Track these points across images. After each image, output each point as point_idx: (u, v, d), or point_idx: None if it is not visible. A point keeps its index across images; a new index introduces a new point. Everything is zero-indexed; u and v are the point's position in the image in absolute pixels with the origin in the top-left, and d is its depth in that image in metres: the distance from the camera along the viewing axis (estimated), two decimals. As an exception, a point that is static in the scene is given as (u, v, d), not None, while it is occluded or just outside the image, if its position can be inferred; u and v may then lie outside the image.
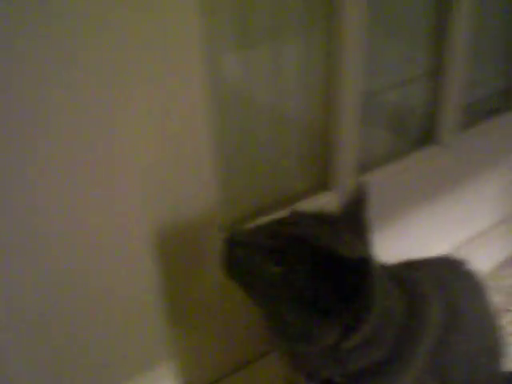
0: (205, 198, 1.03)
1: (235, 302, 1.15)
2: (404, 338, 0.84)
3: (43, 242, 0.75)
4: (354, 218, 0.85)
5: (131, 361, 0.91)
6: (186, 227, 1.02)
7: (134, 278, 0.87)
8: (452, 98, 1.45)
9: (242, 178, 1.19)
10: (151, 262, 0.88)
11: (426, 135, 1.51)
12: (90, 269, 0.80)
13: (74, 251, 0.78)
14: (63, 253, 0.77)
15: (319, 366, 0.84)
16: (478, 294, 1.07)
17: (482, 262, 1.67)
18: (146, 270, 0.88)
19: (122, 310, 0.86)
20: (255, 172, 1.21)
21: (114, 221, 0.81)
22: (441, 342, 0.91)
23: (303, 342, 0.77)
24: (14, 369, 0.77)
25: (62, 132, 0.72)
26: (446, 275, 1.03)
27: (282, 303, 0.76)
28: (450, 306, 0.94)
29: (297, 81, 1.19)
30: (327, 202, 1.26)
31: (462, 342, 0.96)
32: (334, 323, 0.74)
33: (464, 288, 1.03)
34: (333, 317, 0.73)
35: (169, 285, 1.01)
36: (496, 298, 1.57)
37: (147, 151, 0.88)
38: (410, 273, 0.97)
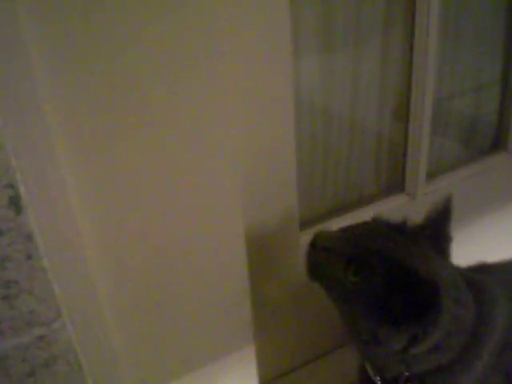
0: (286, 200, 1.09)
1: (314, 297, 1.20)
2: (470, 343, 0.86)
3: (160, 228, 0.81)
4: (436, 231, 0.87)
5: (216, 343, 0.95)
6: (270, 226, 1.08)
7: (225, 270, 0.91)
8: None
9: (320, 179, 1.24)
10: (241, 257, 0.93)
11: (494, 142, 1.53)
12: (188, 257, 0.86)
13: (179, 241, 0.83)
14: (170, 240, 0.83)
15: (387, 366, 0.88)
16: None
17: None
18: (236, 265, 0.93)
19: (213, 296, 0.91)
20: (332, 173, 1.26)
21: (213, 219, 0.87)
22: (507, 343, 0.91)
23: (371, 344, 0.82)
24: (114, 341, 0.82)
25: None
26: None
27: (356, 308, 0.80)
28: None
29: (373, 87, 1.24)
30: (400, 204, 1.30)
31: None
32: (402, 333, 0.77)
33: None
34: (401, 327, 0.77)
35: (254, 278, 1.05)
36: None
37: (243, 156, 0.95)
38: (482, 276, 0.99)
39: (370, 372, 0.93)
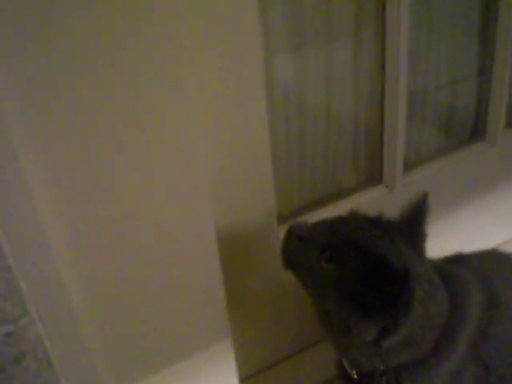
0: (263, 194, 1.10)
1: (293, 291, 1.21)
2: (444, 337, 0.87)
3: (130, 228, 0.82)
4: (411, 228, 0.88)
5: (192, 337, 0.96)
6: (247, 221, 1.10)
7: (198, 264, 0.92)
8: (500, 95, 1.47)
9: (297, 173, 1.26)
10: (214, 252, 0.93)
11: (473, 132, 1.54)
12: (159, 252, 0.87)
13: (152, 238, 0.84)
14: (142, 237, 0.84)
15: (361, 360, 0.89)
16: None
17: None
18: (210, 260, 0.94)
19: (187, 293, 0.92)
20: (309, 167, 1.28)
21: (185, 215, 0.88)
22: (483, 333, 0.93)
23: (343, 335, 0.83)
24: (86, 337, 0.83)
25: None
26: (492, 269, 1.04)
27: (328, 296, 0.82)
28: (493, 298, 0.95)
29: (348, 80, 1.25)
30: (378, 196, 1.32)
31: (505, 332, 0.96)
32: (372, 323, 0.78)
33: (509, 281, 1.03)
34: (372, 317, 0.78)
35: (233, 273, 1.07)
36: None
37: (218, 151, 0.97)
38: (456, 268, 1.00)
39: (347, 366, 0.94)
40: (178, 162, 0.84)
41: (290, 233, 0.85)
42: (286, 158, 1.23)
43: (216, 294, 0.95)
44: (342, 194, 1.32)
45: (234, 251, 1.10)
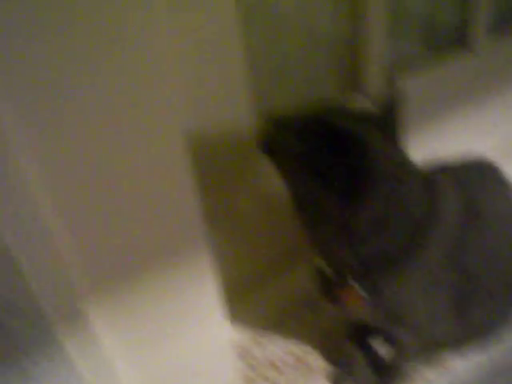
0: (237, 103, 1.08)
1: (276, 212, 1.22)
2: (418, 234, 0.88)
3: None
4: (386, 122, 0.88)
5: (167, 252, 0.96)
6: (221, 135, 1.08)
7: (171, 183, 0.91)
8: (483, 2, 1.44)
9: (273, 83, 1.23)
10: (186, 168, 0.92)
11: (456, 41, 1.51)
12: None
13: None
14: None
15: (333, 249, 0.90)
16: (506, 197, 1.08)
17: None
18: (182, 177, 0.93)
19: (159, 204, 0.91)
20: (285, 76, 1.25)
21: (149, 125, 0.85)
22: (462, 242, 0.95)
23: (314, 217, 0.86)
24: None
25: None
26: (475, 179, 1.05)
27: (300, 176, 0.84)
28: (473, 208, 0.97)
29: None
30: (357, 102, 1.30)
31: (486, 242, 0.99)
32: (343, 197, 0.80)
33: (490, 190, 1.05)
34: (342, 191, 0.79)
35: (209, 194, 1.07)
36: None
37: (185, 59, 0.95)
38: (437, 174, 1.00)
39: (323, 265, 0.96)
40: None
41: (267, 119, 0.90)
42: (264, 72, 1.22)
43: (189, 203, 0.94)
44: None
45: (212, 167, 1.11)
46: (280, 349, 1.27)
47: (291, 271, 1.34)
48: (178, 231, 0.94)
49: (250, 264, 1.31)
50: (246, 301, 1.31)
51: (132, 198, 0.86)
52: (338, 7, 1.25)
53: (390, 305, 0.93)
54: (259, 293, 1.32)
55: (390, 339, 1.12)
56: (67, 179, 0.78)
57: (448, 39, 1.51)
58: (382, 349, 1.19)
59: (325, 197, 0.81)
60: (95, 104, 0.75)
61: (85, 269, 0.85)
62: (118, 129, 0.79)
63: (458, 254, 0.94)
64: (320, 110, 0.88)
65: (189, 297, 1.02)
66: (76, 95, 0.72)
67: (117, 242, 0.88)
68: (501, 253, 1.01)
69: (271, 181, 1.02)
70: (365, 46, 1.28)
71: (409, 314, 0.95)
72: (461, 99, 1.51)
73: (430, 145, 1.44)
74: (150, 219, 0.89)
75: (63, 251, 0.80)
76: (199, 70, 1.00)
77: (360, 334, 1.21)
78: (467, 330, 1.10)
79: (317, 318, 1.32)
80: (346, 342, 1.21)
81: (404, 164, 0.87)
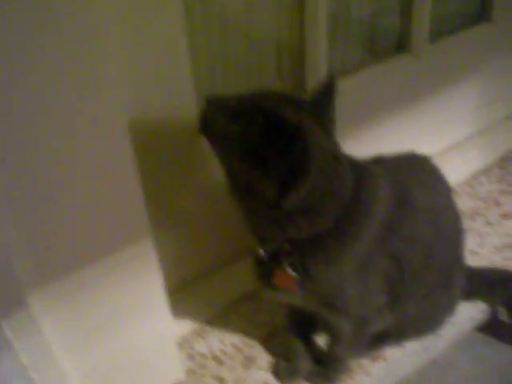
0: (185, 112, 1.11)
1: (217, 206, 1.24)
2: (349, 216, 0.91)
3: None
4: (320, 109, 0.90)
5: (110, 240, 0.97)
6: (164, 128, 1.10)
7: (115, 179, 0.92)
8: (423, 6, 1.49)
9: (219, 80, 1.26)
10: (130, 163, 0.93)
11: (397, 45, 1.56)
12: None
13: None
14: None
15: (265, 229, 0.92)
16: (437, 187, 1.11)
17: (459, 170, 1.75)
18: (126, 172, 0.94)
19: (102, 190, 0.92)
20: (231, 76, 1.28)
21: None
22: (393, 229, 0.97)
23: (248, 196, 0.88)
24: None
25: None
26: (407, 170, 1.08)
27: (234, 156, 0.86)
28: (405, 197, 1.00)
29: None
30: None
31: (417, 231, 1.01)
32: (272, 178, 0.83)
33: (423, 182, 1.07)
34: (271, 172, 0.82)
35: (152, 188, 1.08)
36: (472, 203, 1.65)
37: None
38: (370, 164, 1.03)
39: (258, 249, 0.98)
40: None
41: (207, 100, 0.91)
42: (209, 74, 1.24)
43: (133, 193, 0.95)
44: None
45: (156, 160, 1.12)
46: (222, 341, 1.29)
47: (235, 264, 1.37)
48: (122, 224, 0.96)
49: (193, 258, 1.33)
50: (189, 293, 1.33)
51: (75, 192, 0.87)
52: (282, 13, 1.28)
53: (319, 287, 0.96)
54: (202, 286, 1.34)
55: (327, 328, 1.15)
56: (10, 174, 0.79)
57: (392, 45, 1.56)
58: (323, 341, 1.22)
59: (257, 177, 0.84)
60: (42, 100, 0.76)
61: (28, 260, 0.86)
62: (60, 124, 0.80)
63: (388, 240, 0.97)
64: (256, 94, 0.90)
65: (132, 290, 1.03)
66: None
67: (60, 235, 0.89)
68: (434, 244, 1.04)
69: (214, 173, 1.04)
70: (308, 50, 1.32)
71: (339, 298, 0.98)
72: (403, 100, 1.55)
73: (370, 143, 1.48)
74: (93, 213, 0.91)
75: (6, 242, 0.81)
76: (143, 65, 1.02)
77: (301, 326, 1.23)
78: (404, 322, 1.13)
79: (259, 311, 1.35)
80: (287, 335, 1.23)
81: (334, 150, 0.90)
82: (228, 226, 1.28)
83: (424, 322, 1.18)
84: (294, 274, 0.93)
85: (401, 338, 1.22)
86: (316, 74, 1.33)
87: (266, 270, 0.98)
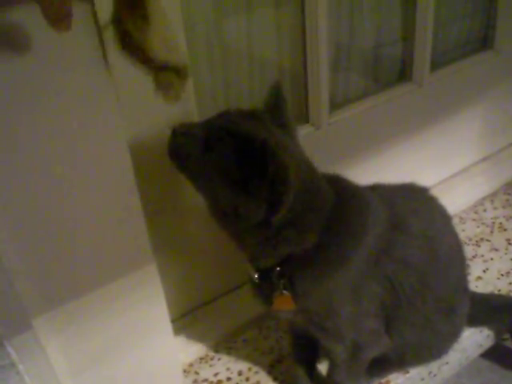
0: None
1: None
2: (331, 231, 0.92)
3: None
4: (276, 113, 0.94)
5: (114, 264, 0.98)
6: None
7: (118, 204, 0.93)
8: (425, 36, 1.52)
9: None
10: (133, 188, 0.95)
11: (400, 74, 1.59)
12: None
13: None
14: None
15: (256, 249, 0.93)
16: (434, 216, 1.11)
17: (464, 196, 1.75)
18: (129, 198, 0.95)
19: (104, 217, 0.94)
20: (233, 103, 1.31)
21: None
22: (387, 254, 0.97)
23: (234, 222, 0.88)
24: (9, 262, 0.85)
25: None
26: (404, 198, 1.08)
27: (213, 184, 0.87)
28: (399, 223, 1.00)
29: (270, 29, 1.29)
30: (305, 134, 1.36)
31: (412, 256, 1.01)
32: (256, 200, 0.83)
33: (419, 211, 1.07)
34: (254, 194, 0.83)
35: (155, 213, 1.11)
36: (477, 229, 1.65)
37: None
38: (358, 186, 1.03)
39: (250, 269, 0.99)
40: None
41: (173, 131, 0.91)
42: (211, 101, 1.27)
43: (134, 215, 0.97)
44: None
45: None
46: (228, 368, 1.29)
47: (240, 290, 1.39)
48: (125, 250, 0.97)
49: (198, 284, 1.34)
50: (195, 320, 1.34)
51: (80, 219, 0.89)
52: (284, 42, 1.32)
53: (309, 304, 0.97)
54: (208, 312, 1.35)
55: (326, 353, 1.15)
56: (14, 200, 0.81)
57: (394, 73, 1.59)
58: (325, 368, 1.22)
59: (243, 201, 0.85)
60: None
61: (32, 284, 0.87)
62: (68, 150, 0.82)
63: (383, 264, 0.97)
64: (219, 117, 0.92)
65: (136, 316, 1.04)
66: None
67: (64, 260, 0.90)
68: (429, 271, 1.04)
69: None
70: (310, 79, 1.35)
71: (330, 318, 0.98)
72: (406, 128, 1.57)
73: (374, 172, 1.49)
74: (97, 239, 0.92)
75: (11, 266, 0.83)
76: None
77: (305, 353, 1.23)
78: (404, 348, 1.12)
79: (265, 337, 1.35)
80: (292, 362, 1.23)
81: (303, 156, 0.93)
82: (232, 251, 1.29)
83: (426, 349, 1.17)
84: (285, 292, 0.94)
85: (403, 365, 1.21)
86: (318, 102, 1.35)
87: (263, 292, 0.99)
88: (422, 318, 1.07)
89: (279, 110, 0.94)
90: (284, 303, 0.95)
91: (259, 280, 0.97)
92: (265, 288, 0.97)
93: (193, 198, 1.15)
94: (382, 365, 1.18)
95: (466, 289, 1.20)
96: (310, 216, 0.89)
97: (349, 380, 1.13)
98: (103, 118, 0.84)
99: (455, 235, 1.15)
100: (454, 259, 1.13)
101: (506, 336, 1.36)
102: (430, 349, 1.18)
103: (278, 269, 0.93)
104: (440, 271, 1.07)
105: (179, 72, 0.81)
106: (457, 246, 1.14)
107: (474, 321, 1.26)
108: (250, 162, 0.82)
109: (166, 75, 0.81)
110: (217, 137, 0.86)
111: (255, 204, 0.84)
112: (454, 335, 1.21)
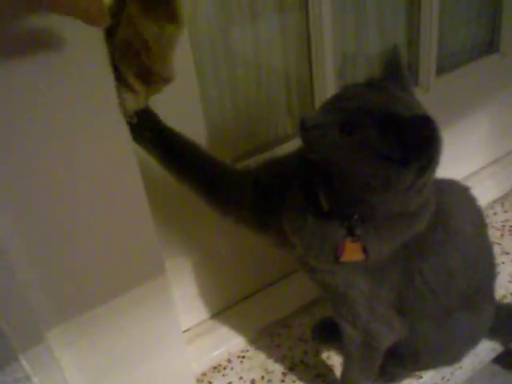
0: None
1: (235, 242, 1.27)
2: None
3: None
4: (396, 78, 0.92)
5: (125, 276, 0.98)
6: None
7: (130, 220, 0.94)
8: (430, 41, 1.52)
9: (229, 123, 1.30)
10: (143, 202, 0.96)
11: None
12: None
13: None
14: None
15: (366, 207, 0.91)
16: (473, 218, 1.11)
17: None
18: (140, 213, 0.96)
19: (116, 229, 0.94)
20: (243, 118, 1.32)
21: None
22: (422, 252, 0.99)
23: (380, 191, 0.86)
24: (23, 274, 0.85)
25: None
26: (447, 192, 1.09)
27: (362, 164, 0.84)
28: (439, 217, 1.00)
29: (276, 39, 1.30)
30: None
31: (445, 261, 1.02)
32: (411, 167, 0.83)
33: (460, 208, 1.09)
34: (409, 163, 0.82)
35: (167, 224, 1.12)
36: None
37: None
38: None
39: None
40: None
41: (303, 127, 0.86)
42: (220, 116, 1.28)
43: (145, 225, 0.98)
44: (278, 142, 1.36)
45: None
46: (241, 377, 1.29)
47: (253, 299, 1.40)
48: (137, 262, 0.98)
49: (211, 294, 1.35)
50: (208, 329, 1.35)
51: (92, 231, 0.90)
52: (290, 51, 1.33)
53: (338, 280, 0.97)
54: (221, 322, 1.37)
55: (342, 344, 1.14)
56: (27, 214, 0.82)
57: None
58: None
59: (394, 170, 0.83)
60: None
61: (45, 297, 0.88)
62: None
63: (414, 260, 0.98)
64: (343, 97, 0.89)
65: (149, 327, 1.05)
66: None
67: (76, 273, 0.91)
68: (458, 271, 1.04)
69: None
70: (316, 87, 1.36)
71: (350, 296, 0.99)
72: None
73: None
74: (108, 250, 0.93)
75: (24, 279, 0.84)
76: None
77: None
78: (418, 345, 1.11)
79: (278, 345, 1.36)
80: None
81: None
82: (245, 261, 1.30)
83: (442, 351, 1.15)
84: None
85: (417, 366, 1.20)
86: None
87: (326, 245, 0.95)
88: (442, 311, 1.06)
89: (398, 74, 0.93)
90: (355, 252, 0.93)
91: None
92: (329, 239, 0.95)
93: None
94: (396, 364, 1.18)
95: (492, 297, 1.20)
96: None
97: (362, 376, 1.14)
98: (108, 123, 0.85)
99: (488, 239, 1.15)
100: (482, 262, 1.12)
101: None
102: (446, 351, 1.16)
103: (356, 217, 0.92)
104: (467, 269, 1.07)
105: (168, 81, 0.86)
106: (488, 252, 1.15)
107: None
108: (395, 137, 0.81)
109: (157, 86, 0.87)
110: (355, 120, 0.84)
111: (408, 171, 0.83)
112: (472, 341, 1.20)
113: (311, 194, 0.94)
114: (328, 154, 0.86)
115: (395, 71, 0.93)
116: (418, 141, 0.81)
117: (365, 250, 0.92)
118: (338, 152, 0.85)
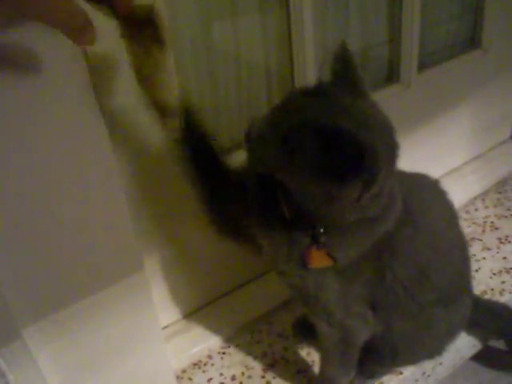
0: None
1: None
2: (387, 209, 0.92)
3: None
4: (346, 80, 0.85)
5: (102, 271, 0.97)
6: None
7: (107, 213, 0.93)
8: (412, 37, 1.52)
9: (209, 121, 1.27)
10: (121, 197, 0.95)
11: (387, 75, 1.59)
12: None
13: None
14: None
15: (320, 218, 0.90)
16: (443, 212, 1.11)
17: (456, 196, 1.74)
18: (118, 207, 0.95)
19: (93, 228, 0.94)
20: (224, 117, 1.32)
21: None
22: (391, 248, 0.98)
23: (328, 203, 0.84)
24: None
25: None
26: (415, 187, 1.08)
27: (303, 180, 0.82)
28: (410, 218, 0.99)
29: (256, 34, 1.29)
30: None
31: (415, 255, 1.02)
32: (352, 184, 0.79)
33: (429, 203, 1.08)
34: (350, 178, 0.78)
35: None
36: (469, 229, 1.65)
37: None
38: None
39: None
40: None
41: (246, 137, 0.86)
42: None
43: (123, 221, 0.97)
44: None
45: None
46: (221, 373, 1.29)
47: (232, 296, 1.39)
48: (115, 258, 0.97)
49: (190, 291, 1.35)
50: (187, 326, 1.34)
51: (68, 229, 0.89)
52: (271, 45, 1.32)
53: (308, 283, 0.97)
54: (200, 319, 1.36)
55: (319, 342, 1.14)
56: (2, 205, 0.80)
57: (381, 75, 1.59)
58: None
59: (335, 186, 0.80)
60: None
61: (21, 293, 0.87)
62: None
63: (384, 257, 0.97)
64: (289, 108, 0.85)
65: (127, 323, 1.04)
66: None
67: (53, 270, 0.90)
68: (430, 266, 1.04)
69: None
70: (297, 82, 1.35)
71: (322, 297, 0.98)
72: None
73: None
74: (86, 248, 0.92)
75: None
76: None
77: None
78: (394, 340, 1.11)
79: (258, 342, 1.36)
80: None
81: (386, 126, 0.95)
82: (225, 257, 1.30)
83: (419, 345, 1.15)
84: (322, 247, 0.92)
85: (396, 361, 1.20)
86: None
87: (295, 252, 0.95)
88: (417, 307, 1.05)
89: (349, 75, 0.85)
90: (322, 258, 0.92)
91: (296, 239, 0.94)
92: (295, 247, 0.94)
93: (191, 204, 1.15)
94: (375, 361, 1.18)
95: (469, 291, 1.20)
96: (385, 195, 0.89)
97: (341, 371, 1.13)
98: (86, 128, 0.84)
99: (461, 233, 1.15)
100: (455, 255, 1.12)
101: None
102: (424, 346, 1.16)
103: (318, 225, 0.91)
104: (440, 263, 1.06)
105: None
106: (462, 245, 1.14)
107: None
108: (334, 153, 0.77)
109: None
110: (295, 137, 0.80)
111: (352, 185, 0.80)
112: (451, 334, 1.20)
113: (276, 203, 0.93)
114: (270, 169, 0.85)
115: (346, 72, 0.85)
116: (353, 157, 0.76)
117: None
118: (279, 167, 0.84)
